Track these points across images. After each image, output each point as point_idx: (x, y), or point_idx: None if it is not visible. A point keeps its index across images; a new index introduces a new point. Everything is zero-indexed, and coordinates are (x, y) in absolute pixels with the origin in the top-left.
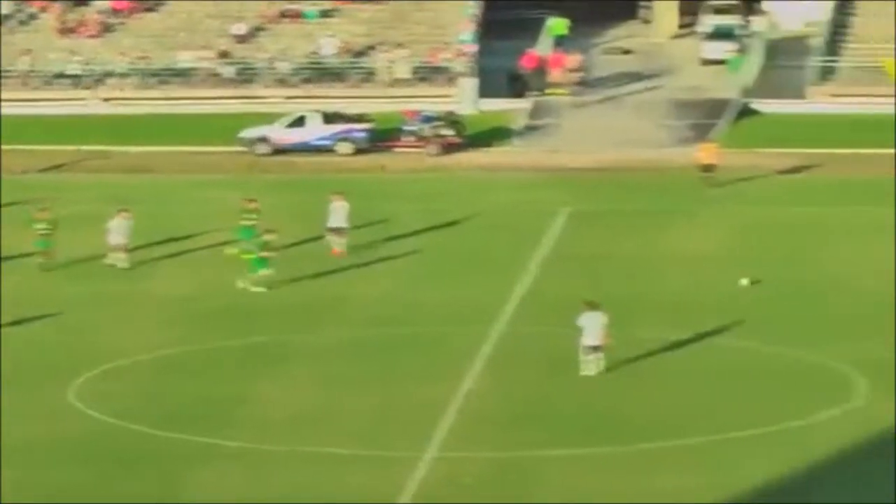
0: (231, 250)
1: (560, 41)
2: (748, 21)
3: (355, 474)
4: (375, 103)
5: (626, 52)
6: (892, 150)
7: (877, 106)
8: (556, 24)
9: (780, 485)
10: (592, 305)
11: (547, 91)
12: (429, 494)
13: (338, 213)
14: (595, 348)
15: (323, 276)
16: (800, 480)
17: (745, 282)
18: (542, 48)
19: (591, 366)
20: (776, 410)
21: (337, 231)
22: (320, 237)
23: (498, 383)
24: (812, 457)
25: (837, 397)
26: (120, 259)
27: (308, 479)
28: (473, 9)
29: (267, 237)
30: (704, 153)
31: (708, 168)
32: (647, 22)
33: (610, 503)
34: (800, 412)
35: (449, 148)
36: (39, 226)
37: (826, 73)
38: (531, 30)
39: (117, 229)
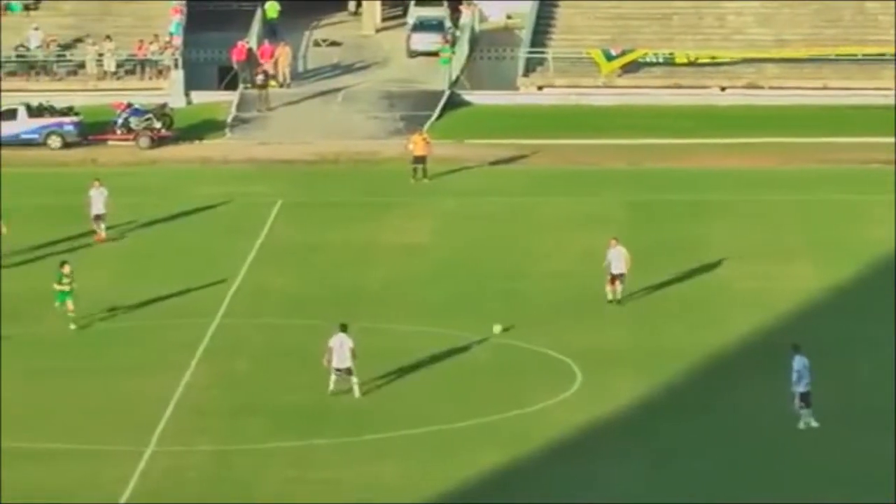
0: None
1: (273, 28)
2: (455, 12)
3: (73, 469)
4: (85, 96)
5: (335, 43)
6: (602, 141)
7: (584, 96)
8: (269, 7)
9: (501, 472)
10: (343, 327)
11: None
12: (150, 488)
13: (97, 199)
14: (348, 370)
15: (37, 268)
16: (520, 467)
17: (497, 329)
18: (252, 40)
19: (338, 385)
20: (496, 400)
21: (99, 217)
22: (29, 232)
23: (217, 376)
24: (532, 444)
25: (553, 385)
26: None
27: (26, 475)
28: (180, 0)
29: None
30: (415, 145)
31: (419, 159)
32: (355, 14)
33: (327, 494)
34: (520, 401)
35: (159, 141)
36: None
37: (533, 64)
38: (241, 21)
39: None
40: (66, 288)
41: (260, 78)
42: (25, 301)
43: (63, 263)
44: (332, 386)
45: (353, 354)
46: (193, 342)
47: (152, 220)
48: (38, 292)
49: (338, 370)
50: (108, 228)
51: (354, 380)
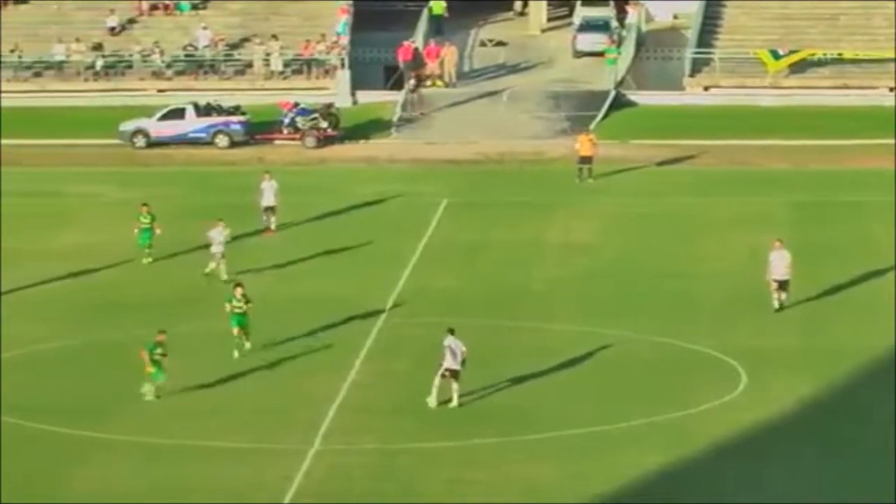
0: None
1: (439, 25)
2: (621, 13)
3: (241, 467)
4: (252, 95)
5: (501, 43)
6: (768, 142)
7: (750, 97)
8: (436, 5)
9: (665, 473)
10: (451, 331)
11: (426, 83)
12: (315, 487)
13: (268, 192)
14: (455, 374)
15: (202, 267)
16: (684, 468)
17: (432, 402)
18: (419, 40)
19: (444, 392)
20: (660, 400)
21: (269, 209)
22: (196, 230)
23: (381, 375)
24: (697, 445)
25: (718, 386)
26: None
27: (193, 472)
28: (347, 0)
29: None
30: (581, 145)
31: (585, 159)
32: (521, 14)
33: (490, 493)
34: (684, 402)
35: (326, 140)
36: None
37: (700, 65)
38: (407, 21)
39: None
40: (240, 310)
41: (412, 83)
42: (192, 299)
43: (236, 285)
44: (432, 400)
45: (464, 360)
46: (358, 341)
47: (318, 220)
48: (204, 290)
49: (447, 370)
50: (277, 227)
51: (455, 386)
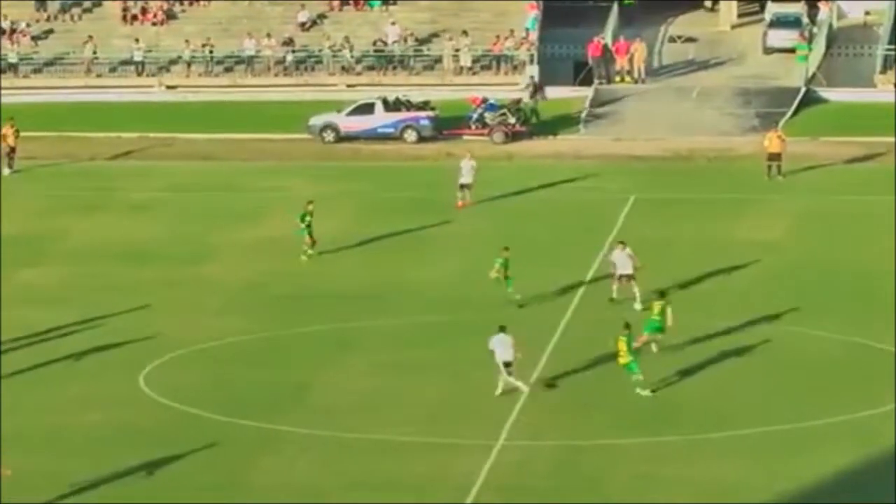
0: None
1: (629, 15)
2: (812, 9)
3: (423, 462)
4: (440, 91)
5: (691, 39)
6: None
7: None
8: None
9: (852, 472)
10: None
11: (615, 79)
12: (498, 482)
13: (466, 170)
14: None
15: (388, 262)
16: (871, 468)
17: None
18: (608, 36)
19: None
20: (847, 399)
21: (465, 187)
22: (382, 225)
23: (568, 371)
24: (885, 445)
25: None
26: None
27: (376, 467)
28: None
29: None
30: (770, 142)
31: (774, 156)
32: (711, 10)
33: (677, 491)
34: (872, 401)
35: (514, 136)
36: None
37: (891, 61)
38: (597, 17)
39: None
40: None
41: (530, 90)
42: (371, 293)
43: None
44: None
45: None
46: (544, 336)
47: (505, 214)
48: (384, 283)
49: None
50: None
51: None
